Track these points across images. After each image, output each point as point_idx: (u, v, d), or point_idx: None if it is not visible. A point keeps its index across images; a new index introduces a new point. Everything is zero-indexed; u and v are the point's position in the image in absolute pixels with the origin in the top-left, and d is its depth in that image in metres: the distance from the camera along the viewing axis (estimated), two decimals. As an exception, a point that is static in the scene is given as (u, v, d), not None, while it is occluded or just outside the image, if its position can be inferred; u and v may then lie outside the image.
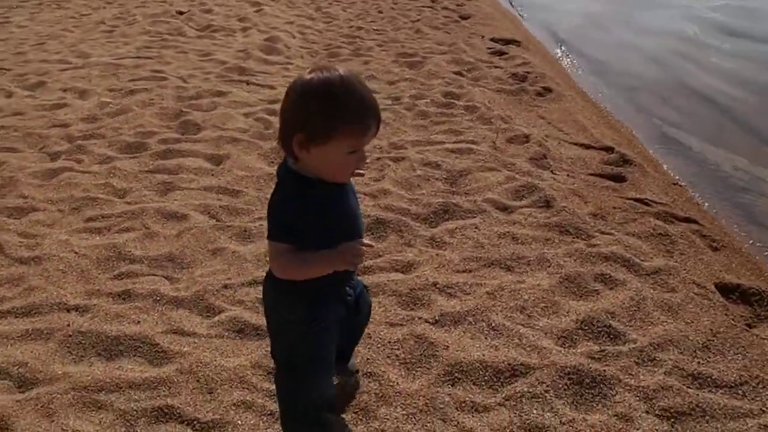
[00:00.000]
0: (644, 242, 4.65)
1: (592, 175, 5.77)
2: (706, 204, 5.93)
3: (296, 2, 12.06)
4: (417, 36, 9.97)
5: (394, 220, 4.54)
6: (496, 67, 8.71)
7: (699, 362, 3.45)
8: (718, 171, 6.61)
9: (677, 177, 6.32)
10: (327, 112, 1.98)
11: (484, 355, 3.31)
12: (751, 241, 5.34)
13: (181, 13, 10.62)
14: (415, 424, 2.92)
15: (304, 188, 2.10)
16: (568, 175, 5.67)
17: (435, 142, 5.91)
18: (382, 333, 3.45)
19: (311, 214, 2.10)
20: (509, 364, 3.26)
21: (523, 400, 3.06)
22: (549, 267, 4.14)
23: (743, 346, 3.62)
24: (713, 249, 4.86)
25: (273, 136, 6.00)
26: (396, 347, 3.38)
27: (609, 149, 6.29)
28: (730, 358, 3.52)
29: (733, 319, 3.91)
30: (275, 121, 6.32)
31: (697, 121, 7.95)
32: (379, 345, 3.38)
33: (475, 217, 4.69)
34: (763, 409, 3.11)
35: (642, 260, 4.34)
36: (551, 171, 5.66)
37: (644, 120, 7.92)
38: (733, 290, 4.26)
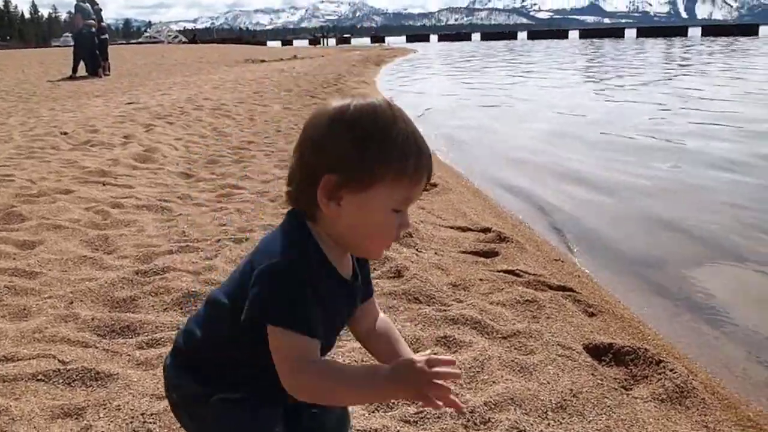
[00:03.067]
0: (507, 309, 4.06)
1: (463, 252, 5.23)
2: (590, 274, 5.41)
3: (192, 125, 11.76)
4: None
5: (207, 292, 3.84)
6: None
7: (549, 423, 2.78)
8: (609, 249, 6.17)
9: (561, 254, 5.82)
10: (373, 144, 1.44)
11: None
12: (636, 307, 4.79)
13: (65, 133, 10.13)
14: None
15: (326, 263, 1.51)
16: (435, 253, 5.12)
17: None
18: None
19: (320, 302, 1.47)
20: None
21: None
22: (384, 332, 3.45)
23: (609, 407, 3.01)
24: (589, 314, 4.28)
25: (106, 225, 5.35)
26: None
27: (486, 230, 5.81)
28: (590, 419, 2.90)
29: (601, 380, 3.27)
30: (116, 212, 5.69)
31: (586, 205, 7.65)
32: None
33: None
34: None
35: (500, 324, 3.72)
36: (416, 249, 5.11)
37: (534, 208, 7.56)
38: (606, 351, 3.65)
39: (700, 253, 6.12)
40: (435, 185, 7.57)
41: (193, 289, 3.92)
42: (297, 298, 1.40)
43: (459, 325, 3.63)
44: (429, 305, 3.95)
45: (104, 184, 6.79)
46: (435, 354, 1.49)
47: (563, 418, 2.86)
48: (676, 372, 3.34)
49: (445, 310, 3.82)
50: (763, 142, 10.97)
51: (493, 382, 3.06)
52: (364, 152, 1.42)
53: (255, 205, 6.11)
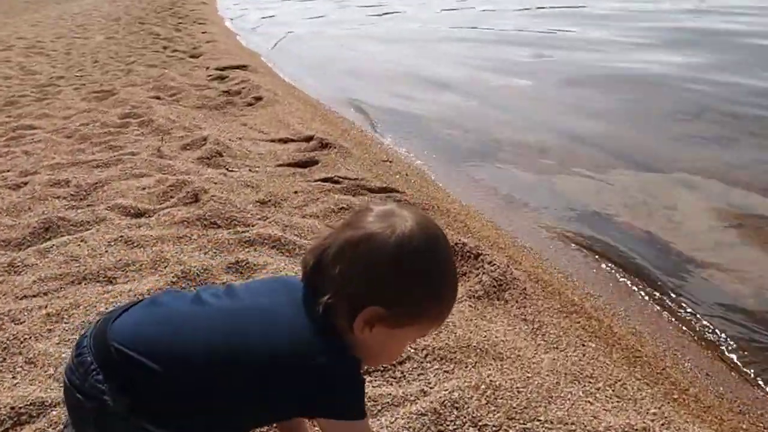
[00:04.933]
0: (320, 220, 3.65)
1: (280, 165, 4.75)
2: (421, 171, 5.10)
3: (-6, 64, 10.45)
4: (125, 75, 8.74)
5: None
6: (209, 88, 7.70)
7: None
8: (443, 145, 5.88)
9: (391, 154, 5.46)
10: (428, 289, 1.41)
11: None
12: (466, 200, 4.52)
13: None
14: None
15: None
16: (249, 170, 4.61)
17: (81, 162, 4.64)
18: None
19: None
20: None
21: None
22: (165, 268, 2.97)
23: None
24: (410, 214, 3.92)
25: None
26: None
27: (309, 138, 5.34)
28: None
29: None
30: None
31: (425, 103, 7.35)
32: None
33: (88, 229, 3.44)
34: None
35: (305, 239, 3.31)
36: (226, 168, 4.58)
37: (368, 111, 7.17)
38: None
39: (535, 142, 5.95)
40: (260, 98, 6.99)
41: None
42: (363, 392, 1.44)
43: (256, 246, 3.19)
44: (227, 228, 3.48)
45: None
46: None
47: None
48: (494, 264, 3.06)
49: (243, 232, 3.36)
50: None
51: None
52: (420, 293, 1.39)
53: (46, 144, 5.33)
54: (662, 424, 2.10)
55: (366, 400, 2.01)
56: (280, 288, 1.56)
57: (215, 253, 3.14)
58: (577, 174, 5.02)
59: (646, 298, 3.38)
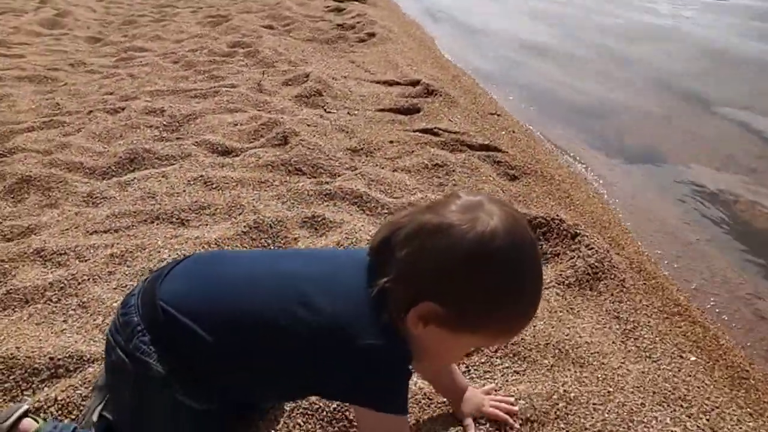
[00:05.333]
0: (412, 176, 3.42)
1: (381, 110, 4.50)
2: (529, 128, 4.72)
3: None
4: (241, 2, 8.66)
5: (48, 177, 3.19)
6: (324, 20, 7.50)
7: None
8: (562, 107, 5.43)
9: (500, 107, 5.09)
10: (495, 302, 1.24)
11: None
12: (578, 164, 4.13)
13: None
14: None
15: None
16: (348, 112, 4.39)
17: (181, 90, 4.58)
18: None
19: None
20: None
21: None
22: (239, 215, 2.83)
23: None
24: (509, 178, 3.63)
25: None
26: None
27: (415, 83, 5.05)
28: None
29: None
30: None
31: (546, 63, 6.85)
32: None
33: (173, 164, 3.36)
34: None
35: (391, 197, 3.08)
36: (323, 109, 4.38)
37: (488, 60, 6.75)
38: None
39: (657, 106, 5.38)
40: (373, 35, 6.71)
41: (29, 174, 3.25)
42: (406, 386, 1.33)
43: (336, 201, 2.99)
44: (312, 176, 3.30)
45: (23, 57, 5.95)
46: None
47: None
48: (592, 248, 2.71)
49: (326, 183, 3.16)
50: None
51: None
52: (490, 312, 1.24)
53: (152, 68, 5.31)
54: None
55: (413, 395, 1.79)
56: (345, 259, 1.47)
57: (293, 203, 2.97)
58: (714, 148, 4.49)
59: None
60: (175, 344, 1.37)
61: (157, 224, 2.82)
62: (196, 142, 3.60)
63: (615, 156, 4.41)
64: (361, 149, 3.74)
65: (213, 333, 1.34)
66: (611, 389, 1.96)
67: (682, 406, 1.96)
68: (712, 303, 2.94)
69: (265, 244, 2.66)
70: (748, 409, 2.08)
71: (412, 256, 1.24)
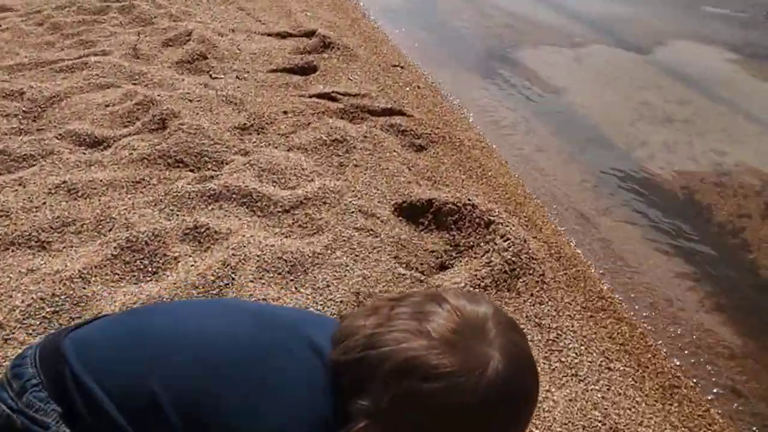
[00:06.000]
0: (309, 155, 3.10)
1: (273, 71, 4.10)
2: (440, 86, 4.41)
3: None
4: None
5: None
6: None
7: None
8: (470, 53, 5.12)
9: (403, 57, 4.74)
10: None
11: None
12: (488, 136, 3.88)
13: None
14: None
15: None
16: (237, 77, 3.98)
17: (45, 63, 4.03)
18: None
19: None
20: None
21: None
22: (109, 232, 2.46)
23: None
24: (416, 149, 3.35)
25: None
26: None
27: (311, 33, 4.63)
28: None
29: (405, 267, 2.43)
30: None
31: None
32: None
33: (32, 165, 2.92)
34: None
35: (284, 189, 2.77)
36: (209, 75, 3.95)
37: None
38: (423, 211, 2.80)
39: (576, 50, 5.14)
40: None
41: None
42: None
43: (222, 203, 2.66)
44: (195, 168, 2.94)
45: None
46: None
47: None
48: (508, 239, 2.50)
49: (211, 178, 2.81)
50: None
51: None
52: None
53: (13, 35, 4.69)
54: None
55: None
56: (306, 342, 1.12)
57: (172, 210, 2.62)
58: (625, 105, 4.31)
59: (695, 289, 2.82)
60: (78, 414, 1.07)
61: (12, 251, 2.43)
62: (60, 134, 3.15)
63: (523, 107, 4.18)
64: (251, 126, 3.38)
65: (128, 413, 1.05)
66: (538, 431, 1.77)
67: (612, 438, 1.80)
68: (637, 290, 2.79)
69: (141, 267, 2.33)
70: (683, 429, 1.94)
71: (398, 402, 1.00)
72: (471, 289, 2.33)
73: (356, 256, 2.41)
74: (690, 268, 2.82)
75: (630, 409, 1.91)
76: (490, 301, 1.08)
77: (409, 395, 0.99)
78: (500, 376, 0.99)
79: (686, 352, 2.41)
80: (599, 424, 1.82)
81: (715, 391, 2.25)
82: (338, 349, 1.07)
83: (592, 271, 2.75)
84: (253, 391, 1.06)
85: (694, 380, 2.27)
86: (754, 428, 2.10)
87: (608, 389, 1.97)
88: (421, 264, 2.48)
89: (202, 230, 2.48)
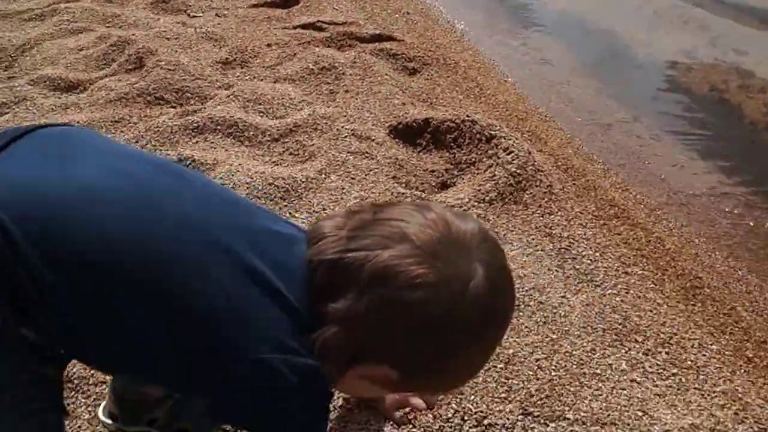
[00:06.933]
0: (295, 85, 2.97)
1: (254, 6, 3.91)
2: (432, 9, 4.23)
3: None
4: None
5: None
6: None
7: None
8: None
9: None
10: (469, 366, 1.03)
11: None
12: (487, 54, 3.70)
13: None
14: None
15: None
16: (216, 14, 3.79)
17: (13, 13, 3.88)
18: None
19: None
20: None
21: None
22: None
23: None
24: (409, 72, 3.20)
25: None
26: None
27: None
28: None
29: (405, 187, 2.31)
30: None
31: None
32: None
33: (5, 113, 2.77)
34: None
35: (272, 118, 2.63)
36: (186, 13, 3.77)
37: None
38: (420, 131, 2.66)
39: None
40: None
41: None
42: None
43: (207, 135, 2.52)
44: (176, 105, 2.79)
45: None
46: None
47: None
48: (512, 152, 2.37)
49: (194, 112, 2.66)
50: None
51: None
52: (445, 377, 1.01)
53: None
54: (735, 413, 1.52)
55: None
56: (281, 234, 1.02)
57: (155, 145, 2.48)
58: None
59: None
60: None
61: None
62: (32, 80, 2.99)
63: (523, 26, 4.00)
64: (234, 60, 3.22)
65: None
66: (555, 335, 1.66)
67: (636, 341, 1.69)
68: (654, 194, 2.65)
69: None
70: (709, 328, 1.83)
71: (376, 317, 0.92)
72: (476, 204, 2.20)
73: (352, 179, 2.27)
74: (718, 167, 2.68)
75: (651, 311, 1.80)
76: (478, 220, 0.97)
77: (385, 303, 0.91)
78: (481, 294, 0.91)
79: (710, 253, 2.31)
80: (619, 326, 1.71)
81: (740, 288, 2.15)
82: (313, 249, 0.97)
83: (605, 181, 2.62)
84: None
85: (717, 280, 2.16)
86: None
87: (627, 293, 1.86)
88: (422, 183, 2.35)
89: (188, 163, 2.34)
